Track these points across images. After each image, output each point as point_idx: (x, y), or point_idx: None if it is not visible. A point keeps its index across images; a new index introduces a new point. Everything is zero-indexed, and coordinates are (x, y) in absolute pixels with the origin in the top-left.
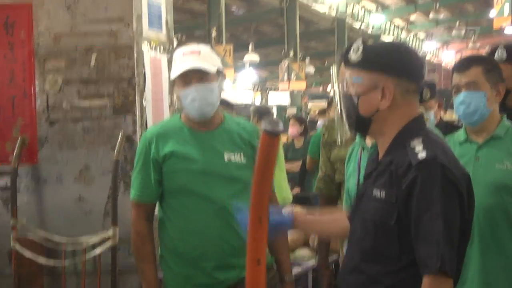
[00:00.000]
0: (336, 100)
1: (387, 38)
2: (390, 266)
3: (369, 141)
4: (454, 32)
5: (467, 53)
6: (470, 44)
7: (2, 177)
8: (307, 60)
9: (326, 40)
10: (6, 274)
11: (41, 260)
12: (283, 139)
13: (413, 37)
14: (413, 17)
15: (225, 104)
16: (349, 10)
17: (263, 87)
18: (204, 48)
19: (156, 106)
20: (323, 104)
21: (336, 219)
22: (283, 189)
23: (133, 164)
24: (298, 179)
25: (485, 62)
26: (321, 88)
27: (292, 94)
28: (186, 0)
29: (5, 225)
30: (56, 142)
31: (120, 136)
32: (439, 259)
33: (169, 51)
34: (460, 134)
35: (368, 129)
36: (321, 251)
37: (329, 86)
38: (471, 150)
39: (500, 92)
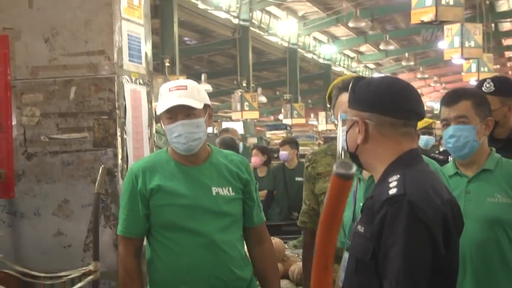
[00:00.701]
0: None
1: (337, 69)
2: None
3: (366, 173)
4: (403, 63)
5: (415, 83)
6: (419, 75)
7: None
8: (259, 90)
9: (277, 70)
10: None
11: None
12: None
13: (363, 67)
14: (363, 48)
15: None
16: (300, 41)
17: (215, 117)
18: (191, 83)
19: (136, 139)
20: (282, 134)
21: None
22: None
23: (113, 197)
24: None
25: (474, 96)
26: (272, 118)
27: (245, 123)
28: None
29: None
30: (34, 175)
31: (101, 169)
32: None
33: (149, 84)
34: (449, 168)
35: (359, 163)
36: (306, 284)
37: (281, 116)
38: (461, 184)
39: (489, 125)
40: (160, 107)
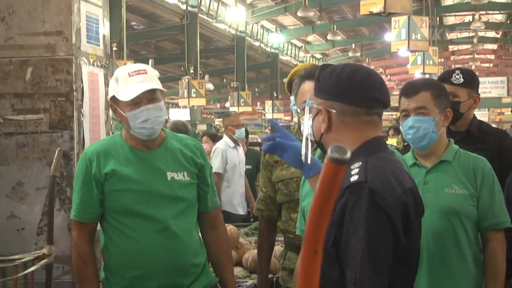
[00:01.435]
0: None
1: (285, 58)
2: (333, 286)
3: None
4: (350, 54)
5: None
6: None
7: None
8: (207, 77)
9: (225, 58)
10: None
11: None
12: None
13: (310, 57)
14: (310, 38)
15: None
16: (248, 29)
17: None
18: (148, 67)
19: (93, 122)
20: None
21: None
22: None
23: (69, 181)
24: None
25: (434, 87)
26: (218, 105)
27: (192, 110)
28: None
29: None
30: None
31: (57, 151)
32: (357, 284)
33: (106, 66)
34: (408, 158)
35: (325, 151)
36: (261, 272)
37: (227, 103)
38: (419, 174)
39: (448, 117)
40: (125, 93)
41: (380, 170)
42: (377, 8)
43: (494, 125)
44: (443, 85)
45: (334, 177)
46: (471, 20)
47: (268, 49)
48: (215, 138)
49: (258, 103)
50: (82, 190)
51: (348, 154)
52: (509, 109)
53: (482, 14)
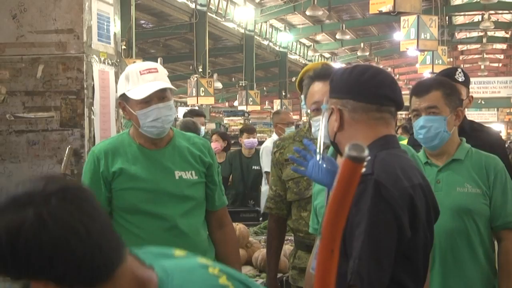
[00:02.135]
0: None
1: (293, 57)
2: (344, 283)
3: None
4: (359, 53)
5: None
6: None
7: None
8: (215, 75)
9: (234, 57)
10: None
11: None
12: None
13: (319, 56)
14: (319, 37)
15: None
16: (257, 28)
17: None
18: (158, 65)
19: (104, 120)
20: (239, 120)
21: None
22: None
23: (80, 178)
24: None
25: (445, 86)
26: (227, 104)
27: (200, 109)
28: None
29: None
30: None
31: (67, 149)
32: (354, 273)
33: (117, 64)
34: (420, 156)
35: (339, 151)
36: (270, 271)
37: (236, 102)
38: (431, 173)
39: (459, 116)
40: (136, 92)
41: (388, 164)
42: (387, 7)
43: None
44: (454, 84)
45: (352, 175)
46: (480, 19)
47: (277, 48)
48: (225, 137)
49: (267, 102)
50: (90, 188)
51: (366, 152)
52: None
53: (492, 14)
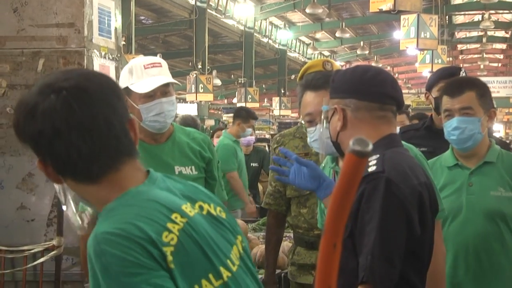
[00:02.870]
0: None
1: (293, 54)
2: (350, 280)
3: (342, 165)
4: (358, 51)
5: None
6: (373, 64)
7: None
8: (214, 72)
9: (233, 54)
10: None
11: None
12: None
13: (319, 54)
14: (319, 35)
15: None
16: (257, 25)
17: None
18: (161, 60)
19: None
20: None
21: None
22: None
23: None
24: None
25: (478, 87)
26: (226, 101)
27: (199, 105)
28: None
29: None
30: None
31: None
32: (367, 270)
33: (117, 59)
34: (447, 158)
35: (342, 152)
36: (268, 267)
37: (235, 99)
38: (462, 176)
39: (492, 117)
40: (140, 85)
41: (397, 162)
42: (387, 6)
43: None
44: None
45: (356, 169)
46: (480, 19)
47: (276, 46)
48: None
49: (266, 100)
50: None
51: (370, 147)
52: None
53: (492, 14)
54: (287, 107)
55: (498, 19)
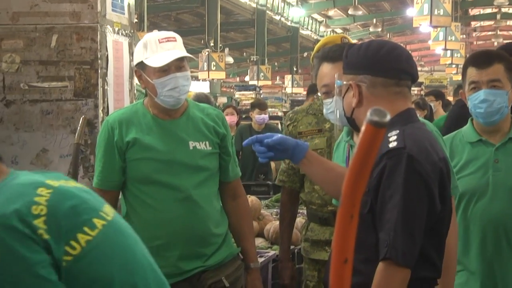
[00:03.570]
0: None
1: (305, 32)
2: (369, 255)
3: (357, 139)
4: (371, 29)
5: None
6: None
7: None
8: (226, 50)
9: (245, 32)
10: None
11: None
12: None
13: (331, 32)
14: (331, 12)
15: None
16: (269, 3)
17: None
18: (176, 35)
19: (117, 91)
20: (251, 95)
21: (341, 175)
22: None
23: (93, 149)
24: None
25: (506, 60)
26: (238, 79)
27: (211, 83)
28: None
29: None
30: (12, 123)
31: (81, 119)
32: (390, 247)
33: (131, 35)
34: (469, 133)
35: (357, 127)
36: (283, 243)
37: (247, 77)
38: (487, 152)
39: None
40: (155, 59)
41: (418, 138)
42: None
43: None
44: None
45: (373, 140)
46: None
47: (289, 23)
48: (238, 111)
49: (278, 78)
50: (104, 158)
51: (388, 117)
52: None
53: None
54: (300, 85)
55: None
